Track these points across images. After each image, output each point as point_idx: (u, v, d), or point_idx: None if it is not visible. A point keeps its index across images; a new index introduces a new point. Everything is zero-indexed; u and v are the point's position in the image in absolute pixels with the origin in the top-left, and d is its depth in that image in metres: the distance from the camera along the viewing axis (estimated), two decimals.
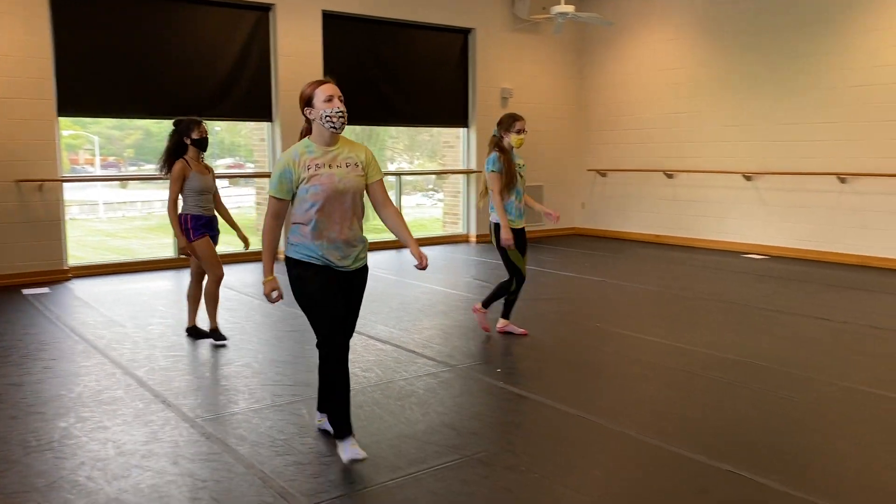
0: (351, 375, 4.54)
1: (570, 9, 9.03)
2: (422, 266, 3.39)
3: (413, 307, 6.48)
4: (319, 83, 3.25)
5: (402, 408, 3.98)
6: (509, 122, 5.22)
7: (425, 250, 10.91)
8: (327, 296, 3.20)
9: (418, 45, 10.37)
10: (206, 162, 5.38)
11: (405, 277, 8.01)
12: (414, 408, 3.97)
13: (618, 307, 6.57)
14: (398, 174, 10.96)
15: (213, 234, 5.33)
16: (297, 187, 3.17)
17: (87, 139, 15.66)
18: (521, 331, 5.49)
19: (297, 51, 9.24)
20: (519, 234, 5.25)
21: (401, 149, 18.20)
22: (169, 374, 4.58)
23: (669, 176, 10.67)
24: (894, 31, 8.24)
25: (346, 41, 9.73)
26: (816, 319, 5.96)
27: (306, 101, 3.24)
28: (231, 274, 8.24)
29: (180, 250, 5.30)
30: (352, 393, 4.22)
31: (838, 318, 5.97)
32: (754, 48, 9.54)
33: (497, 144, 5.23)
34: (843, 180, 8.76)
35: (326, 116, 3.18)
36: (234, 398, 4.15)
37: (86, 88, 8.03)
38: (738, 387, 4.32)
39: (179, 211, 5.18)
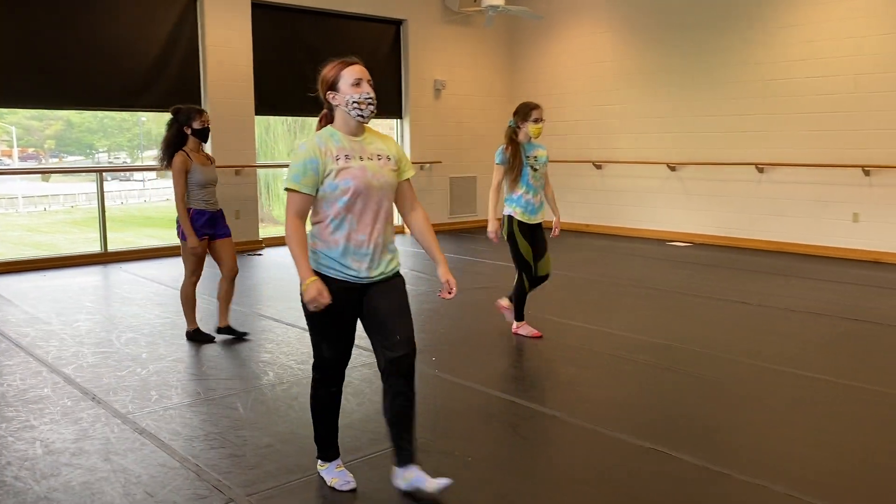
0: (286, 368, 4.58)
1: (500, 2, 9.16)
2: (449, 295, 2.88)
3: None
4: (345, 63, 2.81)
5: None
6: (525, 112, 4.98)
7: None
8: (340, 327, 2.84)
9: (350, 35, 10.34)
10: (206, 152, 5.10)
11: None
12: (350, 397, 4.03)
13: (548, 294, 6.74)
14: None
15: (216, 233, 5.04)
16: (322, 181, 2.71)
17: (3, 130, 15.05)
18: (534, 332, 5.19)
19: (225, 41, 9.10)
20: (533, 229, 5.07)
21: None
22: (98, 371, 4.50)
23: (598, 167, 10.96)
24: (806, 27, 8.66)
25: (275, 31, 9.63)
26: (734, 303, 6.26)
27: (330, 85, 2.81)
28: (162, 268, 8.11)
29: (191, 249, 4.93)
30: (286, 386, 4.27)
31: (754, 302, 6.28)
32: (677, 42, 9.87)
33: (510, 137, 5.03)
34: (760, 170, 9.17)
35: (354, 103, 2.76)
36: (167, 393, 4.12)
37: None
38: (659, 368, 4.53)
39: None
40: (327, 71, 2.83)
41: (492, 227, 5.11)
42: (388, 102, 10.86)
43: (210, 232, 5.01)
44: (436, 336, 5.32)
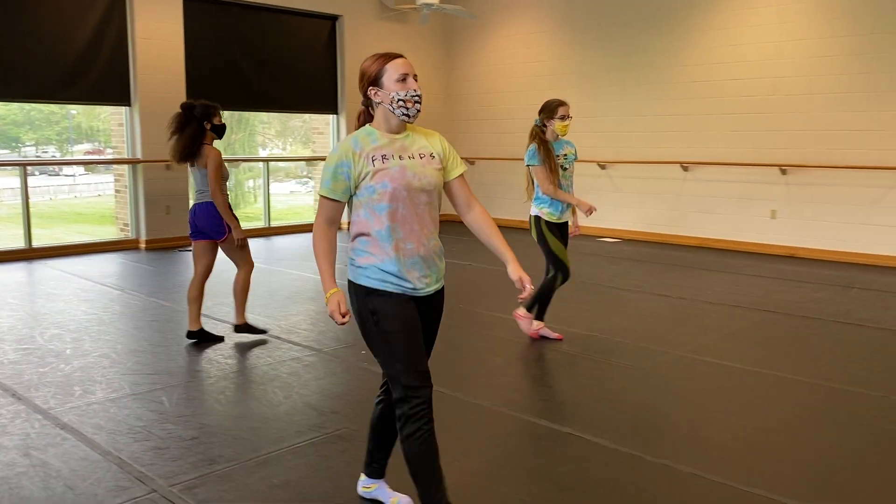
0: (214, 363, 4.58)
1: (434, 0, 9.24)
2: (523, 292, 2.61)
3: (280, 294, 6.51)
4: (389, 57, 2.52)
5: (264, 391, 4.06)
6: (552, 109, 4.84)
7: (298, 238, 10.81)
8: (413, 337, 2.49)
9: (285, 30, 10.29)
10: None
11: (274, 265, 8.00)
12: (276, 391, 4.06)
13: (480, 289, 6.88)
14: (265, 160, 10.82)
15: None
16: (357, 185, 2.48)
17: None
18: (556, 335, 5.11)
19: (156, 34, 8.95)
20: (561, 228, 5.00)
21: (272, 134, 17.93)
22: (19, 367, 4.42)
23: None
24: (727, 31, 9.01)
25: (208, 25, 9.51)
26: (658, 296, 6.50)
27: (372, 80, 2.51)
28: (90, 264, 7.94)
29: (239, 241, 4.89)
30: (214, 378, 4.28)
31: (677, 295, 6.53)
32: (609, 44, 10.14)
33: (538, 136, 4.87)
34: (686, 168, 9.51)
35: (399, 101, 2.48)
36: (91, 388, 4.08)
37: None
38: (583, 358, 4.69)
39: (198, 201, 4.84)
40: (369, 64, 2.53)
41: (586, 206, 4.87)
42: (325, 98, 10.84)
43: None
44: None
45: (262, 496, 2.87)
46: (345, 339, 5.10)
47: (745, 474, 3.08)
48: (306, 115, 11.44)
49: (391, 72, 2.48)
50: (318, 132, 11.48)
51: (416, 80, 2.53)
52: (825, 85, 8.36)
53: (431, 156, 2.58)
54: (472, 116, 11.96)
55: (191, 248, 9.01)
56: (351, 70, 10.90)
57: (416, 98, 2.50)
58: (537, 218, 4.97)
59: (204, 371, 4.41)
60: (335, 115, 11.04)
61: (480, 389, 4.11)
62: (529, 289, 2.60)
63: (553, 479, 3.02)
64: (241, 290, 5.02)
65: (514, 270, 2.65)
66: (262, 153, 14.72)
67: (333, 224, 2.58)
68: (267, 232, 10.42)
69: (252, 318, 5.64)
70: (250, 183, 16.10)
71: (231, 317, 5.43)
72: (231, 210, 4.90)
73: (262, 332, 5.16)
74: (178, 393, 4.02)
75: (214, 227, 4.86)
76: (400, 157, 2.50)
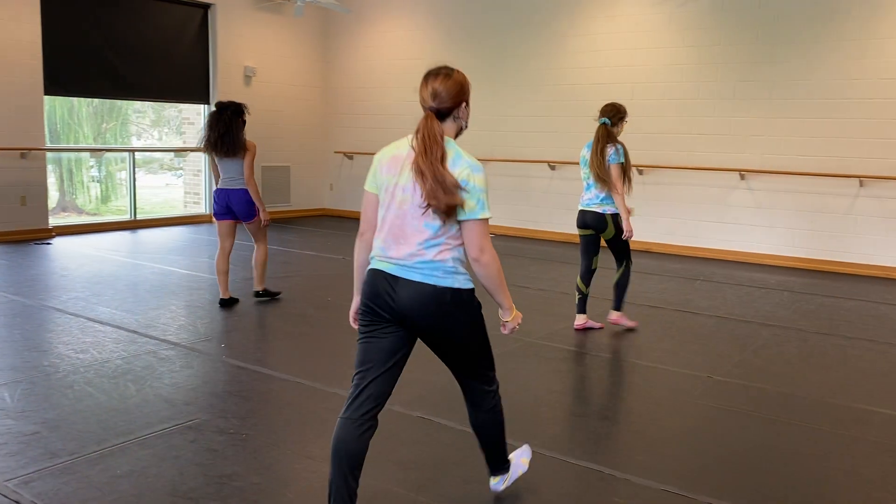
0: (63, 357, 4.46)
1: None
2: None
3: (141, 288, 6.35)
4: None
5: (115, 385, 3.99)
6: (625, 113, 5.24)
7: (164, 232, 10.48)
8: None
9: (153, 18, 9.95)
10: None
11: (137, 259, 7.77)
12: (129, 384, 4.01)
13: (351, 282, 6.95)
14: (131, 150, 10.43)
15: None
16: None
17: None
18: (632, 323, 5.45)
19: (8, 16, 8.45)
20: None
21: (147, 124, 17.20)
22: None
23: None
24: (594, 37, 9.50)
25: (69, 10, 9.07)
26: (521, 287, 6.81)
27: (467, 98, 2.72)
28: None
29: (265, 222, 5.82)
30: (63, 373, 4.17)
31: (536, 287, 6.87)
32: (481, 45, 10.44)
33: (613, 136, 5.14)
34: (553, 167, 9.95)
35: (466, 123, 2.73)
36: None
37: None
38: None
39: (232, 187, 5.67)
40: (467, 81, 2.75)
41: (629, 226, 5.19)
42: (196, 87, 10.58)
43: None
44: (228, 323, 5.36)
45: (103, 487, 2.86)
46: (204, 333, 5.07)
47: (573, 449, 3.35)
48: (182, 105, 11.09)
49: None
50: (190, 122, 11.18)
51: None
52: (677, 91, 8.98)
53: None
54: (350, 110, 11.99)
55: (50, 242, 8.62)
56: (224, 60, 10.68)
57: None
58: (615, 215, 5.20)
59: (52, 366, 4.28)
60: (207, 105, 10.79)
61: (343, 379, 4.21)
62: None
63: (395, 460, 3.17)
64: (262, 263, 5.97)
65: None
66: (137, 143, 14.15)
67: None
68: (132, 225, 10.06)
69: (109, 312, 5.49)
70: (122, 175, 15.41)
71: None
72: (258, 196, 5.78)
73: (278, 293, 6.14)
74: (21, 388, 3.89)
75: (247, 211, 5.72)
76: None
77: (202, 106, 10.78)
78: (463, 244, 2.47)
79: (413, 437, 3.44)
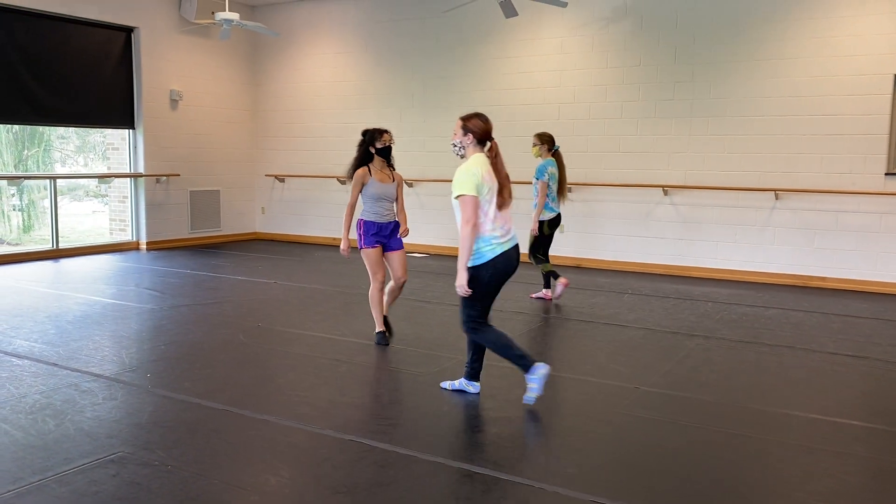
0: None
1: (234, 16, 9.14)
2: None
3: (63, 319, 6.13)
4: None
5: (33, 421, 3.84)
6: (552, 139, 7.16)
7: (89, 259, 10.10)
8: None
9: (74, 41, 9.69)
10: (392, 170, 5.63)
11: (59, 289, 7.50)
12: (48, 419, 3.86)
13: (284, 307, 6.87)
14: (51, 177, 10.08)
15: (386, 242, 5.52)
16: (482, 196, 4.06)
17: None
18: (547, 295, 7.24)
19: None
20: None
21: (71, 150, 16.67)
22: None
23: (342, 182, 11.28)
24: (521, 59, 9.69)
25: None
26: (450, 306, 6.84)
27: (481, 133, 4.20)
28: None
29: (344, 252, 5.59)
30: None
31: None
32: (407, 67, 10.53)
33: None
34: None
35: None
36: None
37: None
38: (374, 368, 4.87)
39: (358, 216, 5.57)
40: (479, 119, 4.22)
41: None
42: (119, 113, 10.32)
43: (382, 240, 5.50)
44: (156, 352, 5.22)
45: None
46: (129, 364, 4.92)
47: (505, 465, 3.37)
48: (106, 130, 10.79)
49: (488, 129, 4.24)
50: (114, 148, 10.90)
51: (455, 135, 4.22)
52: (602, 111, 9.23)
53: None
54: (280, 133, 11.90)
55: None
56: (149, 84, 10.47)
57: (454, 148, 4.28)
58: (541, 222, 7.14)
59: None
60: (132, 130, 10.54)
61: (272, 405, 4.15)
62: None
63: (328, 484, 3.14)
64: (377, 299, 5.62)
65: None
66: (61, 170, 13.70)
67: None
68: (55, 254, 9.71)
69: (27, 345, 5.28)
70: (45, 202, 14.87)
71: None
72: (349, 225, 5.72)
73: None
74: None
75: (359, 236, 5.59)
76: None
77: (127, 131, 10.53)
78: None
79: (348, 460, 3.41)
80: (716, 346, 5.58)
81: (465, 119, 4.17)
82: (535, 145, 7.07)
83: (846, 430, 3.88)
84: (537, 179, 7.00)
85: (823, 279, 8.21)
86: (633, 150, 9.10)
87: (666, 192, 8.94)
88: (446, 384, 4.47)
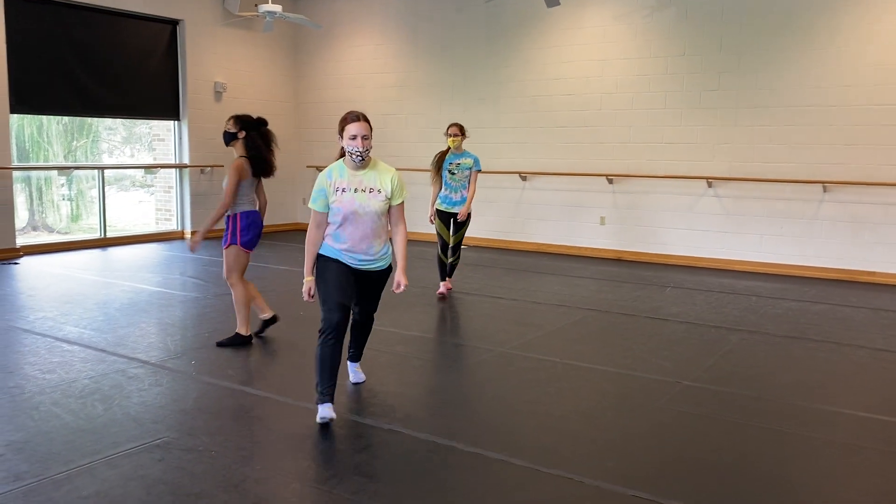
0: (30, 378, 4.39)
1: (277, 8, 9.23)
2: (397, 289, 3.84)
3: (111, 307, 6.28)
4: (350, 120, 3.72)
5: (83, 405, 3.94)
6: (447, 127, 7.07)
7: (135, 249, 10.31)
8: (338, 290, 3.75)
9: (121, 34, 9.89)
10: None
11: (107, 277, 7.68)
12: (96, 404, 3.96)
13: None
14: (99, 167, 10.32)
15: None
16: (329, 204, 3.72)
17: None
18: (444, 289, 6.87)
19: None
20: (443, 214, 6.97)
21: (118, 141, 17.04)
22: None
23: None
24: (562, 49, 9.60)
25: (35, 27, 8.98)
26: (493, 298, 6.83)
27: (339, 131, 3.77)
28: None
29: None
30: (29, 394, 4.11)
31: (510, 297, 6.90)
32: (448, 59, 10.50)
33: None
34: (524, 178, 10.01)
35: (349, 152, 3.70)
36: None
37: None
38: (413, 358, 4.88)
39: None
40: (340, 120, 3.77)
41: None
42: (166, 104, 10.52)
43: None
44: (199, 339, 5.31)
45: None
46: (174, 351, 5.02)
47: (547, 457, 3.36)
48: (152, 122, 11.01)
49: (347, 131, 3.70)
50: (160, 139, 11.11)
51: (364, 140, 3.68)
52: (645, 101, 9.10)
53: (379, 191, 3.74)
54: (322, 124, 11.99)
55: (18, 262, 8.49)
56: (194, 76, 10.64)
57: (360, 154, 3.67)
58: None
59: (18, 387, 4.21)
60: (177, 122, 10.72)
61: (313, 393, 4.20)
62: (402, 289, 3.83)
63: (368, 473, 3.17)
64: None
65: (398, 275, 3.84)
66: (108, 160, 14.02)
67: (321, 227, 3.78)
68: (102, 243, 9.95)
69: (77, 331, 5.43)
70: (93, 192, 15.23)
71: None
72: None
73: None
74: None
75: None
76: (355, 190, 3.71)
77: (172, 122, 10.72)
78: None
79: (374, 446, 3.43)
80: (760, 341, 5.48)
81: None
82: (455, 136, 6.92)
83: (895, 429, 3.79)
84: (477, 171, 6.96)
85: (872, 273, 7.99)
86: (677, 141, 8.95)
87: (710, 184, 8.79)
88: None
